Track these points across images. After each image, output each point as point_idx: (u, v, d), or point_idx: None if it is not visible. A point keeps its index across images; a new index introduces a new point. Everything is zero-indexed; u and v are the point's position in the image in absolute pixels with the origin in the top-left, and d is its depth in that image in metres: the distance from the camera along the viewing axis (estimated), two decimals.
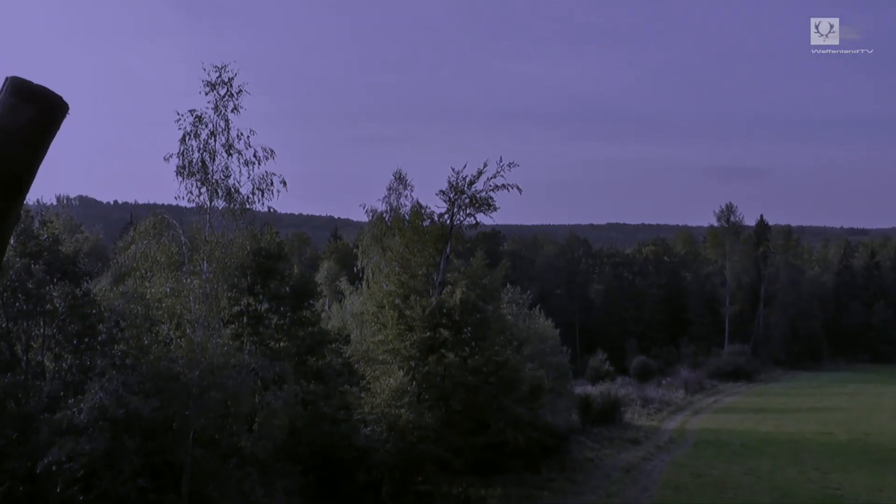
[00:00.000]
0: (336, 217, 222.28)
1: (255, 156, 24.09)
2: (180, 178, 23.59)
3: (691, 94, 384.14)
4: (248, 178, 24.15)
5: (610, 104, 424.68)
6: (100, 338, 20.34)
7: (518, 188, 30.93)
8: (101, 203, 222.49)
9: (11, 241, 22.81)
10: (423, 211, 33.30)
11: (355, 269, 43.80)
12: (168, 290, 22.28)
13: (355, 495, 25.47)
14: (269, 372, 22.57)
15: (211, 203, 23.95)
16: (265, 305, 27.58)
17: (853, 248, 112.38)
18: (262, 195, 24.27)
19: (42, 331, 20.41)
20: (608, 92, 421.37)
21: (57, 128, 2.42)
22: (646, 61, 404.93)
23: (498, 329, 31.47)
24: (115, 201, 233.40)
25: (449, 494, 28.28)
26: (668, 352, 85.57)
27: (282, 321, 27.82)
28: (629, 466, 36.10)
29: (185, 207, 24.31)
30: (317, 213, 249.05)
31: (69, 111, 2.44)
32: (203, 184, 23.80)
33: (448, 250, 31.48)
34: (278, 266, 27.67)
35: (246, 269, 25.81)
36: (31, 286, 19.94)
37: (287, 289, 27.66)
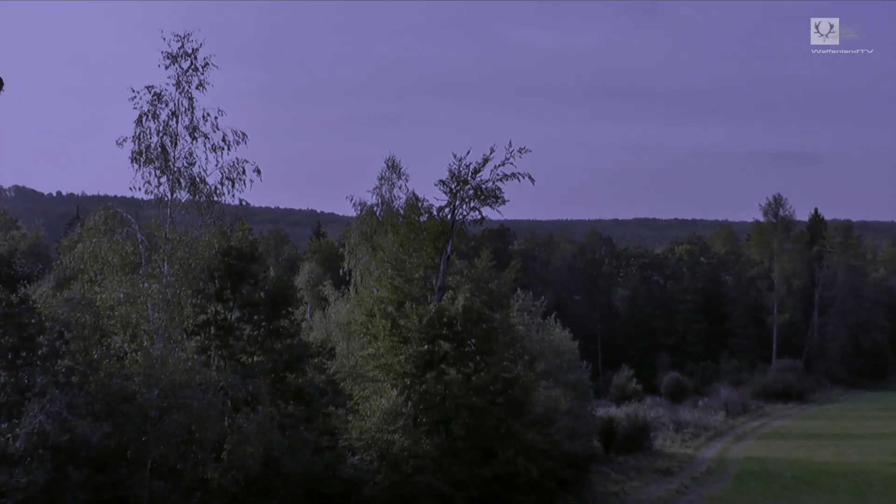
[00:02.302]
0: (319, 211, 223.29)
1: (223, 140, 24.19)
2: (136, 166, 23.64)
3: (731, 68, 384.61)
4: (216, 165, 24.27)
5: (638, 79, 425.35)
6: (40, 351, 20.30)
7: (530, 177, 30.87)
8: (41, 195, 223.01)
9: None
10: (419, 204, 33.26)
11: (341, 271, 43.84)
12: (122, 296, 22.28)
13: None
14: (241, 391, 22.57)
15: (172, 195, 24.00)
16: (236, 314, 27.53)
17: None
18: (233, 185, 24.36)
19: None
20: (636, 65, 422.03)
21: None
22: (679, 29, 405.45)
23: (507, 341, 31.45)
24: (59, 192, 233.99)
25: None
26: (705, 367, 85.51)
27: (255, 332, 27.75)
28: (660, 502, 36.09)
29: (142, 200, 24.40)
30: (296, 207, 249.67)
31: (3, 87, 2.44)
32: (163, 172, 23.85)
33: (449, 250, 31.46)
34: (251, 268, 27.62)
35: (213, 271, 25.82)
36: None
37: (262, 294, 27.63)
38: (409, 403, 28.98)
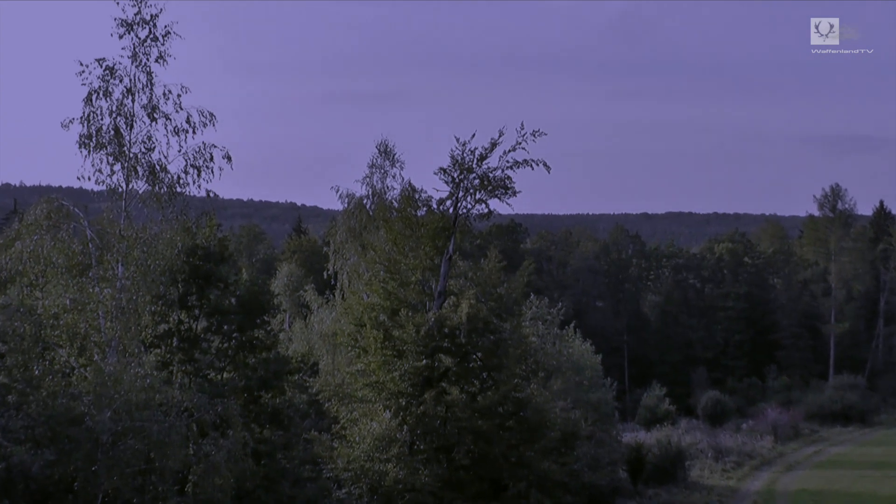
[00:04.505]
0: (299, 204, 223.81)
1: (188, 121, 24.22)
2: (85, 152, 23.66)
3: (781, 37, 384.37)
4: (180, 151, 24.30)
5: (671, 51, 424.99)
6: None
7: (545, 165, 30.83)
8: None
9: None
10: (417, 196, 33.23)
11: (326, 273, 43.86)
12: (68, 302, 22.27)
13: None
14: (208, 413, 22.60)
15: (128, 185, 24.01)
16: (202, 323, 27.58)
17: None
18: (199, 174, 24.38)
19: None
20: (669, 34, 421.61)
21: None
22: None
23: (518, 355, 31.43)
24: None
25: None
26: (749, 385, 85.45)
27: (225, 344, 27.81)
28: None
29: (92, 191, 24.38)
30: (273, 199, 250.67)
31: None
32: (117, 159, 23.87)
33: (451, 249, 31.45)
34: (220, 270, 27.67)
35: (176, 273, 25.86)
36: None
37: (232, 300, 27.68)
38: (405, 428, 28.96)
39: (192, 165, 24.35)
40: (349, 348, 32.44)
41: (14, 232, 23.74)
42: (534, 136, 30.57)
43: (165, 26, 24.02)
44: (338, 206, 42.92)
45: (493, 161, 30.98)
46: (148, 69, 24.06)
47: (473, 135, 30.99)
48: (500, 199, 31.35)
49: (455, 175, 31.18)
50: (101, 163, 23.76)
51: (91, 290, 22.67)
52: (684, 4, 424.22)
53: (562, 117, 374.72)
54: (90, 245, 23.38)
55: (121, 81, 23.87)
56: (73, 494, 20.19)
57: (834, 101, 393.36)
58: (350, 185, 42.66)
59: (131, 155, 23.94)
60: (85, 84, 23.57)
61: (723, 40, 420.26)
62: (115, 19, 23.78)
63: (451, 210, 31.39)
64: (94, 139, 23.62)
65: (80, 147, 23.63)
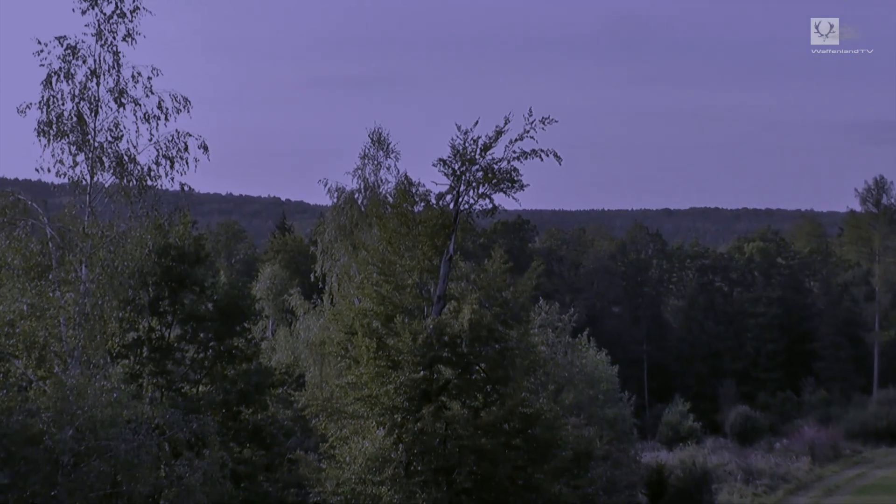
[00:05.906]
0: (284, 199, 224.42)
1: (159, 106, 24.25)
2: (44, 140, 23.64)
3: (816, 12, 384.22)
4: (150, 140, 24.30)
5: (694, 28, 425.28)
6: None
7: (556, 155, 30.81)
8: None
9: None
10: (414, 190, 33.21)
11: (313, 276, 43.87)
12: (25, 307, 22.25)
13: None
14: (182, 430, 22.59)
15: (93, 178, 24.00)
16: (176, 331, 27.59)
17: None
18: (172, 166, 24.40)
19: None
20: (693, 10, 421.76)
21: None
22: None
23: (526, 366, 31.42)
24: None
25: None
26: (783, 400, 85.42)
27: (201, 354, 27.82)
28: None
29: (53, 184, 24.34)
30: (254, 193, 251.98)
31: None
32: (80, 148, 23.86)
33: (451, 248, 31.42)
34: (196, 272, 27.69)
35: (147, 276, 25.85)
36: None
37: (209, 306, 27.69)
38: (400, 446, 28.95)
39: (164, 156, 24.37)
40: (339, 358, 32.41)
41: None
42: (543, 123, 30.52)
43: (134, 1, 23.99)
44: (326, 201, 42.92)
45: (498, 151, 30.93)
46: (114, 49, 24.05)
47: (476, 122, 30.94)
48: (505, 193, 31.30)
49: (456, 167, 31.14)
50: (63, 153, 23.78)
51: (51, 295, 22.66)
52: None
53: (574, 105, 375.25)
54: (50, 244, 23.38)
55: (84, 62, 23.87)
56: None
57: (873, 84, 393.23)
58: (340, 177, 42.70)
59: (96, 144, 23.93)
60: (44, 65, 23.59)
61: (744, 24, 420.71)
62: None
63: (451, 205, 31.36)
64: (54, 126, 23.61)
65: (38, 135, 23.63)
